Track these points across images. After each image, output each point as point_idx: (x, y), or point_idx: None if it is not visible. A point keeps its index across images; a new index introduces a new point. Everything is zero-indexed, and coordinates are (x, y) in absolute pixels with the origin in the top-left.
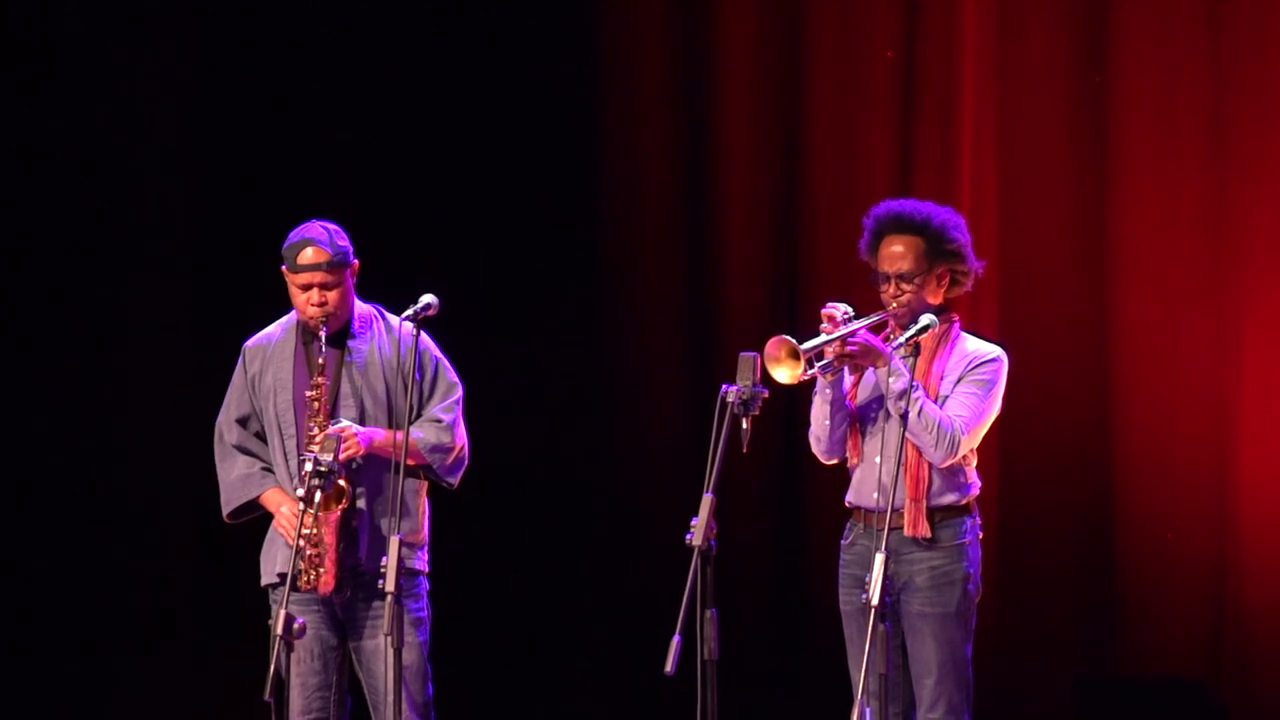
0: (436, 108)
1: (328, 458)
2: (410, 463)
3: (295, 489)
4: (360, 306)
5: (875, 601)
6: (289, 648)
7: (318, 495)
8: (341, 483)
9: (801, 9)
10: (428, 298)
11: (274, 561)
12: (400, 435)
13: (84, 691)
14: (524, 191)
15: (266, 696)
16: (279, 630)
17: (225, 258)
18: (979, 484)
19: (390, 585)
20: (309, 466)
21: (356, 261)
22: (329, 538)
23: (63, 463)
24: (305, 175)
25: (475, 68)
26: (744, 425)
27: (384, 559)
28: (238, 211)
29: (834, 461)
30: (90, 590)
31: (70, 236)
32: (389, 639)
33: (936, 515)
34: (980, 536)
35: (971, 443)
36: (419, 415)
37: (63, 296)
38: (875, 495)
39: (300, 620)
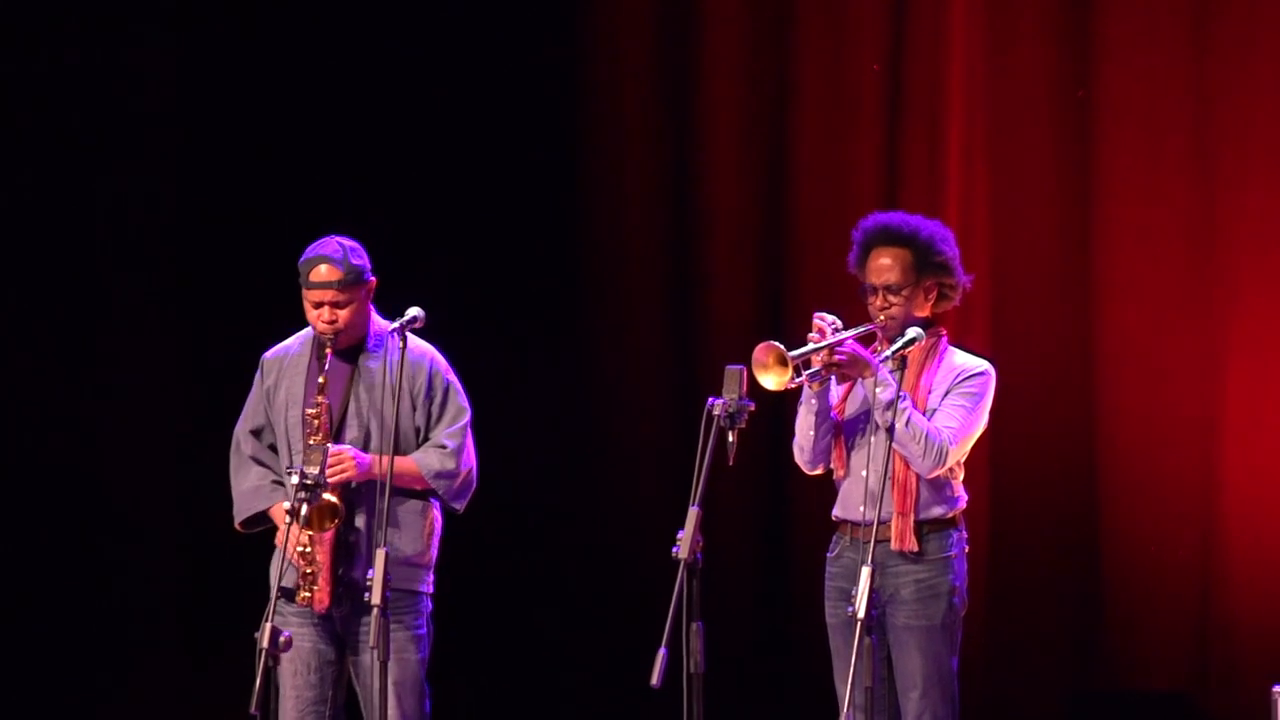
0: (420, 117)
1: (313, 470)
2: (417, 486)
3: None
4: (379, 323)
5: (861, 614)
6: (275, 660)
7: (304, 509)
8: (333, 499)
9: (788, 21)
10: (413, 310)
11: (278, 575)
12: (403, 461)
13: (72, 703)
14: (507, 203)
15: (253, 709)
16: (264, 643)
17: (212, 266)
18: (966, 497)
19: (376, 598)
20: (294, 479)
21: (374, 280)
22: (322, 556)
23: (49, 472)
24: (290, 181)
25: (458, 76)
26: (730, 438)
27: (397, 577)
28: (223, 218)
29: (817, 472)
30: (77, 601)
31: (57, 240)
32: (374, 653)
33: (924, 528)
34: (966, 550)
35: (959, 454)
36: (425, 438)
37: (49, 302)
38: (862, 509)
39: (286, 633)
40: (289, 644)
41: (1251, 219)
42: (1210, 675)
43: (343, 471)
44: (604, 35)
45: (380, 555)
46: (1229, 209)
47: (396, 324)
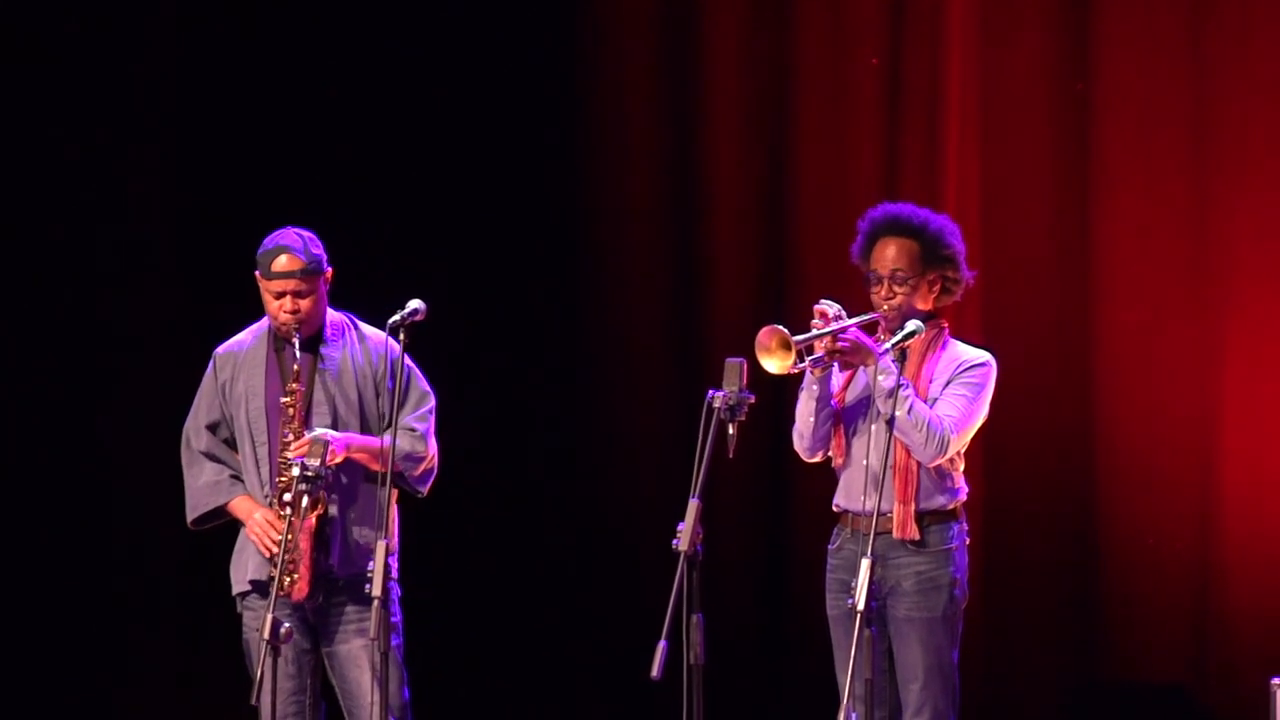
0: (420, 117)
1: (315, 463)
2: (384, 470)
3: (267, 496)
4: (332, 314)
5: (861, 606)
6: (275, 652)
7: (304, 500)
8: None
9: (787, 15)
10: (415, 303)
11: (245, 569)
12: (376, 441)
13: (72, 702)
14: (508, 199)
15: (254, 701)
16: (265, 634)
17: (212, 266)
18: (967, 489)
19: (377, 590)
20: (296, 472)
21: (330, 269)
22: (304, 543)
23: (49, 472)
24: (290, 180)
25: (458, 73)
26: (730, 431)
27: (369, 565)
28: (223, 218)
29: (815, 459)
30: (77, 601)
31: (55, 242)
32: (375, 643)
33: (925, 519)
34: (967, 542)
35: (959, 444)
36: (389, 423)
37: (49, 302)
38: (863, 498)
39: (286, 625)
40: (289, 635)
41: (1248, 212)
42: (1208, 668)
43: (331, 455)
44: (604, 35)
45: (381, 547)
46: (1227, 203)
47: (397, 316)
